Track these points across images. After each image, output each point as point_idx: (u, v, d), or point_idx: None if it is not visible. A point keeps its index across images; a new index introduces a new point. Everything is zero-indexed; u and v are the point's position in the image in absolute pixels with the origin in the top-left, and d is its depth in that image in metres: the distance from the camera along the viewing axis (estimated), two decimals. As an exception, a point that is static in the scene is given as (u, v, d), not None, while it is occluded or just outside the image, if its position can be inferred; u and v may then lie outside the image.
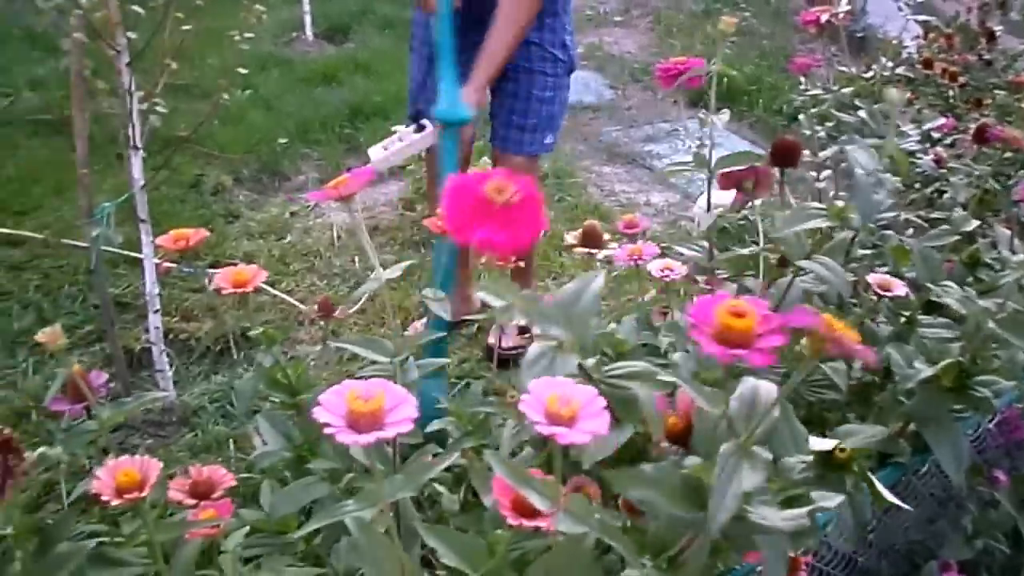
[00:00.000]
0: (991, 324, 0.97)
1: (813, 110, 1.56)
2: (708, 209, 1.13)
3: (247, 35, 1.96)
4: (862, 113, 1.22)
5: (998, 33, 2.91)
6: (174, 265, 2.51)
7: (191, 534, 0.86)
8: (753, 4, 5.99)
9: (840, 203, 1.04)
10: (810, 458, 0.79)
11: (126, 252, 2.51)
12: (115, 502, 0.75)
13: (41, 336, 0.88)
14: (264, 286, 1.01)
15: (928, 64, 2.51)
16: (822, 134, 1.59)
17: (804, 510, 0.69)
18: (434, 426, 1.13)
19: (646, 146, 4.07)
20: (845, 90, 1.58)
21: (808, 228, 1.01)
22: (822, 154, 1.35)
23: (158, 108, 1.84)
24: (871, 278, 1.10)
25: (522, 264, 1.42)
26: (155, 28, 1.83)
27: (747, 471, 0.64)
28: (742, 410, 0.69)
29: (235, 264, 1.05)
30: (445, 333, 1.81)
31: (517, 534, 0.71)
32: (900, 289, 1.08)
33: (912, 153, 1.09)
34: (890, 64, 2.17)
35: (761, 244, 1.13)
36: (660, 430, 0.82)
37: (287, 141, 3.69)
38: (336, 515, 0.71)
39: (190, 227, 1.07)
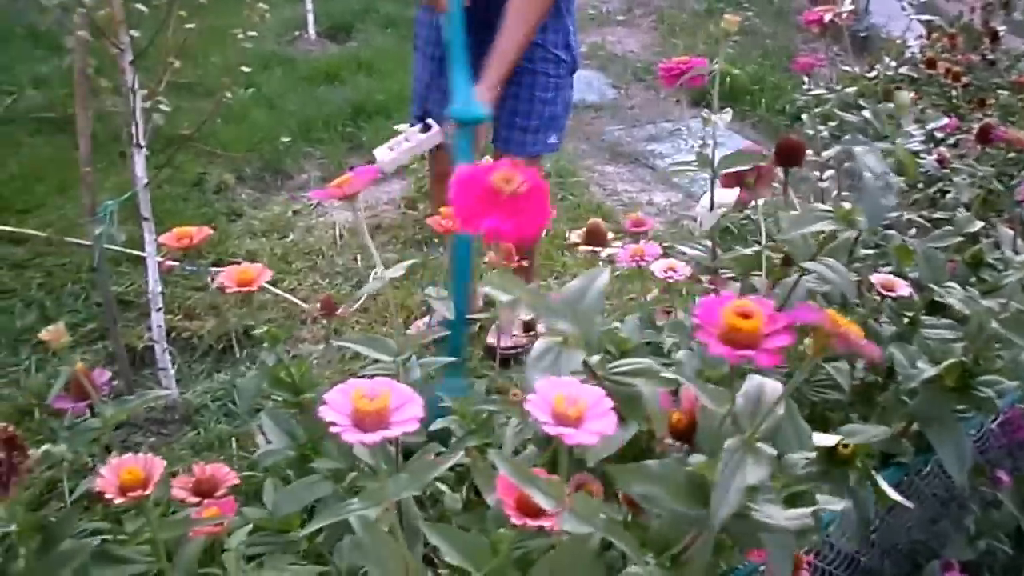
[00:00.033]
0: (994, 324, 0.97)
1: (816, 110, 1.55)
2: (711, 209, 1.13)
3: (250, 34, 1.96)
4: (866, 113, 1.22)
5: (1001, 33, 2.91)
6: (177, 263, 2.52)
7: (194, 532, 0.86)
8: (756, 3, 5.99)
9: (844, 203, 1.04)
10: (814, 455, 0.79)
11: (128, 250, 2.51)
12: (119, 500, 0.76)
13: (44, 334, 0.88)
14: (266, 285, 1.01)
15: (931, 64, 2.51)
16: (825, 134, 1.59)
17: (808, 509, 0.69)
18: (437, 425, 1.13)
19: (648, 145, 4.07)
20: (848, 90, 1.58)
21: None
22: (825, 154, 1.35)
23: (161, 106, 1.84)
24: (875, 278, 1.10)
25: (525, 263, 1.42)
26: (158, 26, 1.83)
27: (751, 466, 0.64)
28: (747, 407, 0.69)
29: (238, 263, 1.05)
30: (463, 331, 1.82)
31: (520, 533, 0.71)
32: (904, 289, 1.08)
33: (916, 153, 1.08)
34: (893, 64, 2.17)
35: (763, 244, 1.13)
36: (664, 427, 0.82)
37: (290, 140, 3.69)
38: (341, 514, 0.71)
39: (193, 225, 1.07)
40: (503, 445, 1.03)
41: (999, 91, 2.53)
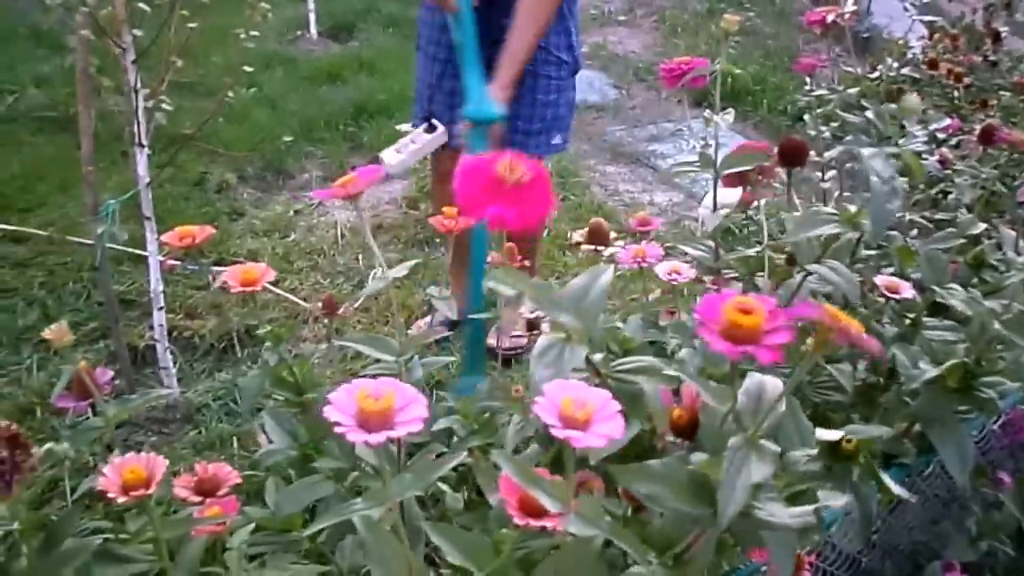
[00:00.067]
0: (996, 325, 0.97)
1: (818, 110, 1.55)
2: (714, 209, 1.13)
3: (252, 33, 1.97)
4: (869, 114, 1.22)
5: (1003, 34, 2.91)
6: (178, 263, 2.52)
7: (197, 531, 0.86)
8: (757, 4, 5.99)
9: (847, 205, 1.04)
10: (816, 451, 0.79)
11: (130, 249, 2.51)
12: (121, 499, 0.75)
13: (48, 333, 0.88)
14: (268, 284, 1.01)
15: (933, 65, 2.51)
16: (827, 135, 1.58)
17: (811, 507, 0.69)
18: (440, 424, 1.13)
19: (650, 146, 4.07)
20: (851, 91, 1.58)
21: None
22: (827, 154, 1.35)
23: (164, 106, 1.85)
24: (879, 280, 1.10)
25: (527, 263, 1.42)
26: (161, 26, 1.83)
27: (756, 463, 0.65)
28: (749, 405, 0.69)
29: (239, 262, 1.05)
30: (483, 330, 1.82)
31: (523, 533, 0.71)
32: (908, 292, 1.08)
33: (918, 154, 1.08)
34: (896, 65, 2.17)
35: (765, 244, 1.13)
36: (665, 423, 0.83)
37: (291, 139, 3.69)
38: (344, 514, 0.71)
39: (194, 225, 1.07)
40: (505, 442, 1.03)
41: (1001, 92, 2.53)
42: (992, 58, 2.80)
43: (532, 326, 1.40)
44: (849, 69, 1.84)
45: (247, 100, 3.95)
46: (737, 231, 2.81)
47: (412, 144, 1.93)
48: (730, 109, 1.16)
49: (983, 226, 1.31)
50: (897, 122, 1.16)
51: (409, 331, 2.26)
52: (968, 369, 0.98)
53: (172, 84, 1.89)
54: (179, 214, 2.95)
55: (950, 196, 1.75)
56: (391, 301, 2.46)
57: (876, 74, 1.99)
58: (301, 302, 2.60)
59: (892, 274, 1.18)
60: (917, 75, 2.37)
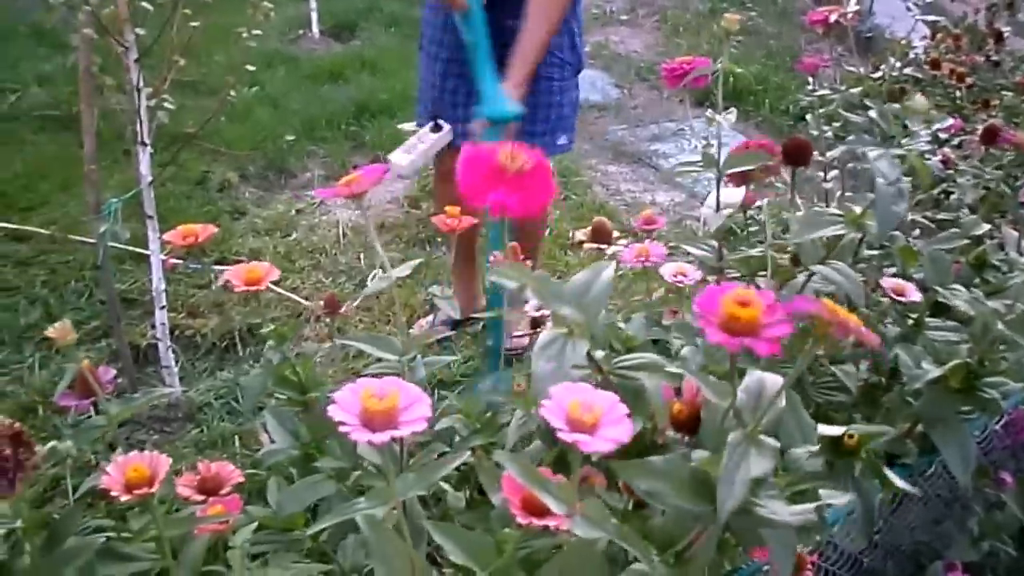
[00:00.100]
0: (1000, 326, 0.97)
1: (821, 110, 1.55)
2: (717, 209, 1.13)
3: (254, 32, 1.97)
4: (872, 113, 1.22)
5: (1006, 34, 2.91)
6: (180, 261, 2.52)
7: (199, 530, 0.86)
8: (759, 3, 5.99)
9: (849, 205, 1.04)
10: (817, 448, 0.79)
11: (132, 248, 2.52)
12: (125, 497, 0.76)
13: (51, 332, 0.88)
14: (270, 284, 1.01)
15: (936, 65, 2.50)
16: (829, 134, 1.58)
17: (812, 505, 0.69)
18: (442, 424, 1.13)
19: (652, 145, 4.07)
20: (853, 90, 1.57)
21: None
22: (829, 154, 1.35)
23: (166, 104, 1.85)
24: (886, 283, 1.10)
25: (529, 262, 1.42)
26: (163, 24, 1.83)
27: (755, 458, 0.65)
28: (749, 401, 0.69)
29: (241, 261, 1.06)
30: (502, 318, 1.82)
31: (525, 533, 0.71)
32: (914, 295, 1.08)
33: (921, 153, 1.08)
34: (898, 64, 2.17)
35: (767, 244, 1.13)
36: (666, 419, 0.83)
37: (293, 138, 3.70)
38: (347, 513, 0.72)
39: (197, 223, 1.07)
40: (507, 436, 1.03)
41: (1003, 92, 2.52)
42: (994, 58, 2.80)
43: (536, 325, 1.40)
44: (852, 69, 1.84)
45: (249, 99, 3.95)
46: (739, 231, 2.81)
47: (420, 144, 1.93)
48: (732, 109, 1.16)
49: (987, 227, 1.30)
50: (900, 122, 1.16)
51: (411, 330, 2.26)
52: (971, 369, 0.98)
53: (174, 83, 1.89)
54: (181, 213, 2.96)
55: (952, 196, 1.75)
56: (393, 300, 2.46)
57: (879, 74, 1.98)
58: (303, 301, 2.60)
59: (895, 274, 1.18)
60: (920, 75, 2.37)
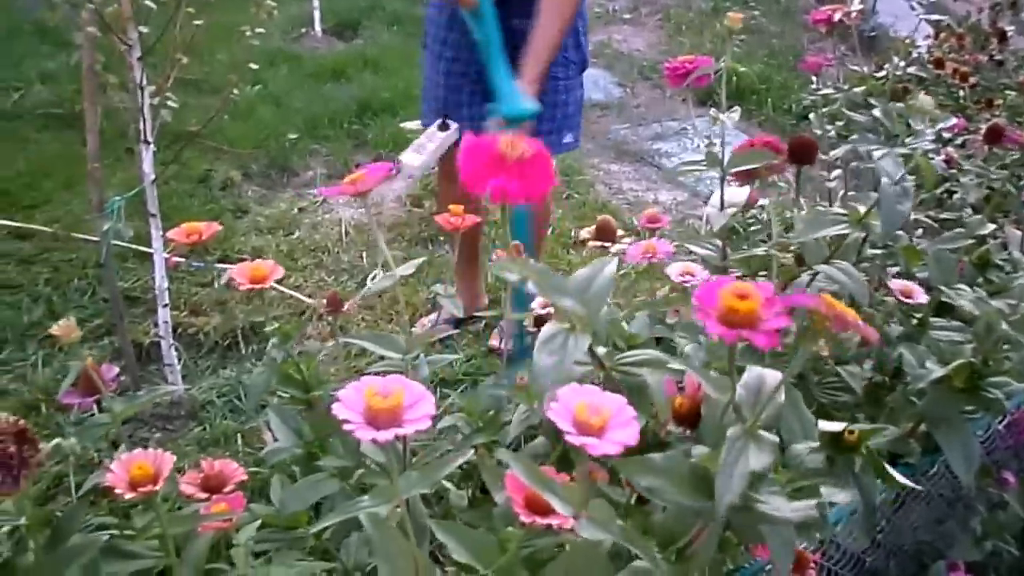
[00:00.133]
0: (1004, 326, 0.97)
1: (824, 109, 1.55)
2: (721, 208, 1.13)
3: (257, 30, 1.97)
4: (876, 112, 1.22)
5: (1009, 33, 2.90)
6: (183, 260, 2.52)
7: (203, 527, 0.87)
8: (762, 2, 5.98)
9: (853, 204, 1.04)
10: (818, 444, 0.79)
11: (135, 246, 2.52)
12: (129, 495, 0.76)
13: (55, 329, 0.88)
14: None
15: (939, 64, 2.50)
16: (832, 133, 1.58)
17: (813, 501, 0.70)
18: (445, 422, 1.13)
19: (654, 144, 4.07)
20: (857, 89, 1.57)
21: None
22: (833, 153, 1.35)
23: (169, 103, 1.85)
24: (893, 284, 1.10)
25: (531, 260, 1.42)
26: (166, 23, 1.83)
27: (753, 452, 0.65)
28: (748, 397, 0.70)
29: (244, 259, 1.06)
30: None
31: (529, 531, 0.71)
32: (921, 297, 1.08)
33: (925, 153, 1.08)
34: (902, 64, 2.16)
35: (771, 243, 1.13)
36: (669, 413, 0.83)
37: (296, 137, 3.70)
38: (351, 511, 0.72)
39: (199, 222, 1.07)
40: (509, 429, 1.03)
41: (1007, 92, 2.52)
42: (998, 57, 2.79)
43: (540, 323, 1.40)
44: (855, 68, 1.83)
45: (252, 97, 3.95)
46: (741, 230, 2.81)
47: (430, 144, 1.93)
48: (736, 107, 1.16)
49: (992, 226, 1.30)
50: (904, 121, 1.16)
51: (413, 329, 2.26)
52: (975, 369, 0.98)
53: (177, 81, 1.89)
54: (184, 211, 2.96)
55: (955, 196, 1.74)
56: (396, 299, 2.46)
57: (883, 73, 1.98)
58: (307, 299, 2.60)
59: (899, 273, 1.18)
60: (923, 74, 2.37)
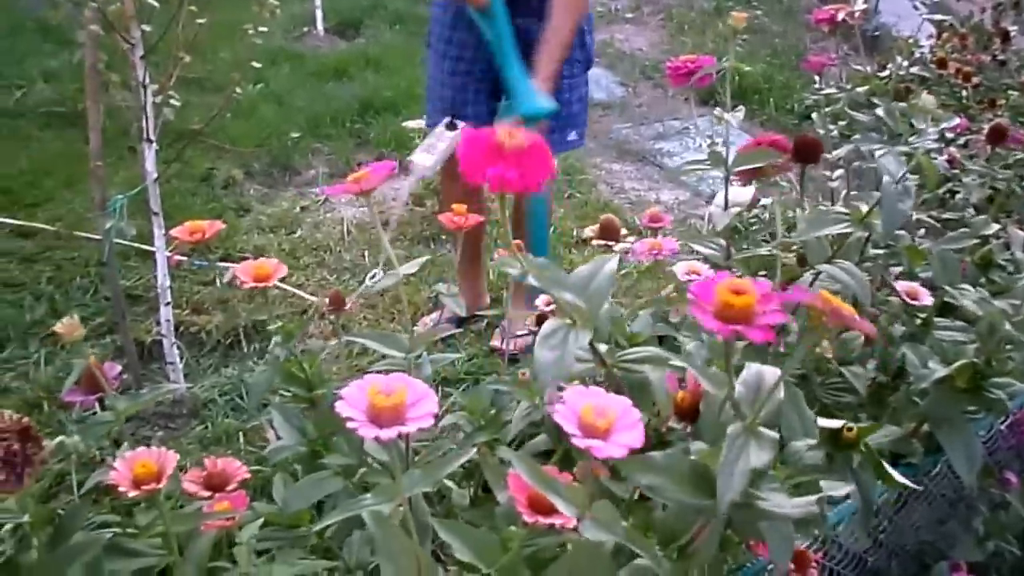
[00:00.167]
0: (1007, 326, 0.97)
1: (827, 109, 1.55)
2: (726, 207, 1.13)
3: (259, 29, 1.97)
4: (880, 111, 1.22)
5: (1012, 33, 2.90)
6: (185, 258, 2.52)
7: (206, 526, 0.87)
8: (765, 2, 5.98)
9: (855, 204, 1.04)
10: (817, 441, 0.79)
11: (137, 245, 2.52)
12: (132, 493, 0.76)
13: (59, 327, 0.88)
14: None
15: (942, 64, 2.50)
16: (835, 133, 1.58)
17: (813, 498, 0.70)
18: (447, 420, 1.13)
19: (656, 144, 4.07)
20: (860, 89, 1.57)
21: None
22: (835, 153, 1.35)
23: (171, 101, 1.85)
24: (899, 286, 1.10)
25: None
26: (169, 21, 1.83)
27: (754, 450, 0.65)
28: (748, 394, 0.70)
29: (246, 258, 1.06)
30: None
31: (531, 531, 0.71)
32: (926, 298, 1.08)
33: (928, 152, 1.08)
34: (905, 63, 2.16)
35: (774, 243, 1.13)
36: (670, 409, 0.84)
37: (298, 135, 3.70)
38: (354, 509, 0.72)
39: (202, 220, 1.07)
40: (511, 427, 1.03)
41: (1009, 92, 2.52)
42: (1001, 57, 2.79)
43: (542, 321, 1.40)
44: (858, 68, 1.83)
45: (254, 96, 3.95)
46: (744, 229, 2.81)
47: (440, 143, 1.94)
48: (740, 107, 1.16)
49: (996, 227, 1.30)
50: (907, 120, 1.16)
51: (415, 328, 2.27)
52: (977, 369, 0.98)
53: (180, 80, 1.89)
54: (186, 210, 2.96)
55: (958, 196, 1.74)
56: (398, 297, 2.46)
57: (886, 73, 1.98)
58: (310, 297, 2.60)
59: (901, 273, 1.18)
60: (926, 74, 2.37)
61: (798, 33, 5.53)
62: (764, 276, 1.13)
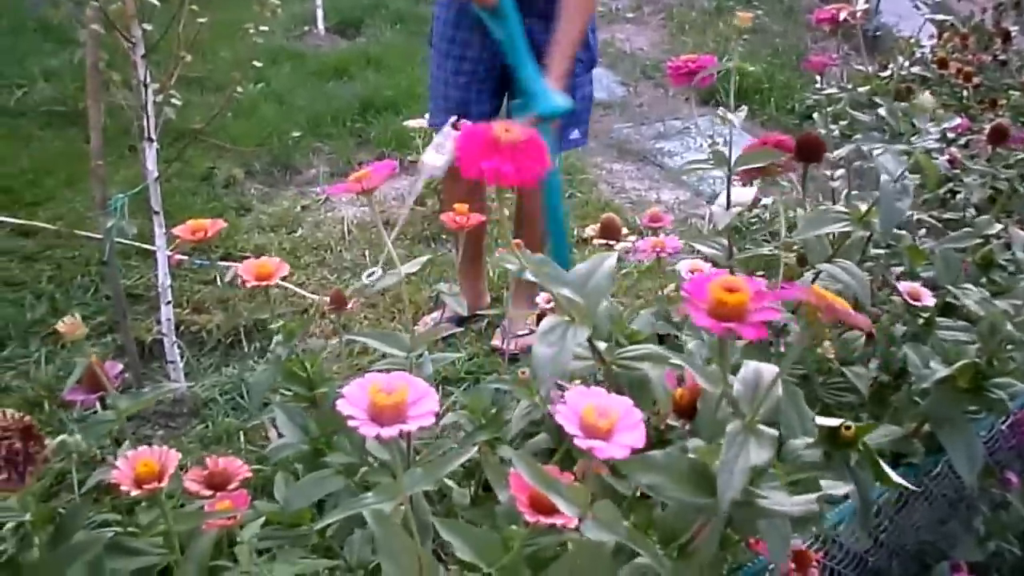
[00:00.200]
0: (1008, 327, 0.97)
1: (828, 109, 1.55)
2: (728, 207, 1.13)
3: (260, 28, 1.97)
4: (882, 111, 1.22)
5: (1013, 33, 2.90)
6: (186, 257, 2.52)
7: (208, 525, 0.87)
8: (765, 2, 5.98)
9: (857, 203, 1.04)
10: (816, 439, 0.79)
11: (138, 244, 2.52)
12: (135, 492, 0.76)
13: (61, 326, 0.88)
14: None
15: (943, 64, 2.50)
16: (836, 133, 1.58)
17: (813, 496, 0.70)
18: (447, 419, 1.13)
19: (657, 143, 4.07)
20: (861, 89, 1.57)
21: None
22: (836, 153, 1.35)
23: (172, 100, 1.85)
24: (902, 287, 1.10)
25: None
26: (170, 21, 1.83)
27: (754, 447, 0.65)
28: (746, 392, 0.70)
29: (247, 257, 1.06)
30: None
31: (532, 530, 0.71)
32: (929, 299, 1.08)
33: (929, 152, 1.08)
34: (906, 63, 2.16)
35: (775, 243, 1.13)
36: (669, 406, 0.84)
37: (299, 135, 3.70)
38: (355, 508, 0.72)
39: (203, 219, 1.07)
40: (511, 426, 1.03)
41: (1010, 92, 2.52)
42: (1001, 57, 2.79)
43: (542, 319, 1.40)
44: (859, 68, 1.83)
45: (255, 95, 3.95)
46: (744, 229, 2.81)
47: (448, 143, 1.94)
48: (743, 107, 1.16)
49: (1000, 227, 1.31)
50: (908, 120, 1.16)
51: (415, 327, 2.27)
52: (979, 370, 0.98)
53: (181, 79, 1.89)
54: (187, 209, 2.96)
55: (958, 196, 1.74)
56: (399, 297, 2.46)
57: (887, 73, 1.98)
58: (311, 296, 2.60)
59: (903, 273, 1.18)
60: (927, 74, 2.37)
61: (799, 33, 5.53)
62: (763, 275, 1.13)
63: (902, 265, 1.22)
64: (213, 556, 0.90)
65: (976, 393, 0.98)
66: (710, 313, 0.61)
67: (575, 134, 2.25)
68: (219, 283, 2.64)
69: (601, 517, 0.64)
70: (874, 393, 1.08)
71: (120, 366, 1.01)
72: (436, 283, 2.61)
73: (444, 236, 3.02)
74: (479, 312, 2.49)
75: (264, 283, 0.97)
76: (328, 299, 1.29)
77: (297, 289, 2.63)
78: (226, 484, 0.91)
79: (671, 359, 0.85)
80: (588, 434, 0.58)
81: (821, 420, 0.80)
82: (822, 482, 0.74)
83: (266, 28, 1.99)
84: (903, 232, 1.27)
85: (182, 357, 2.22)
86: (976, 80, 2.50)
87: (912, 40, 2.56)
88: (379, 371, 0.63)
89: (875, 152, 1.02)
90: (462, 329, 2.48)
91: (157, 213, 2.00)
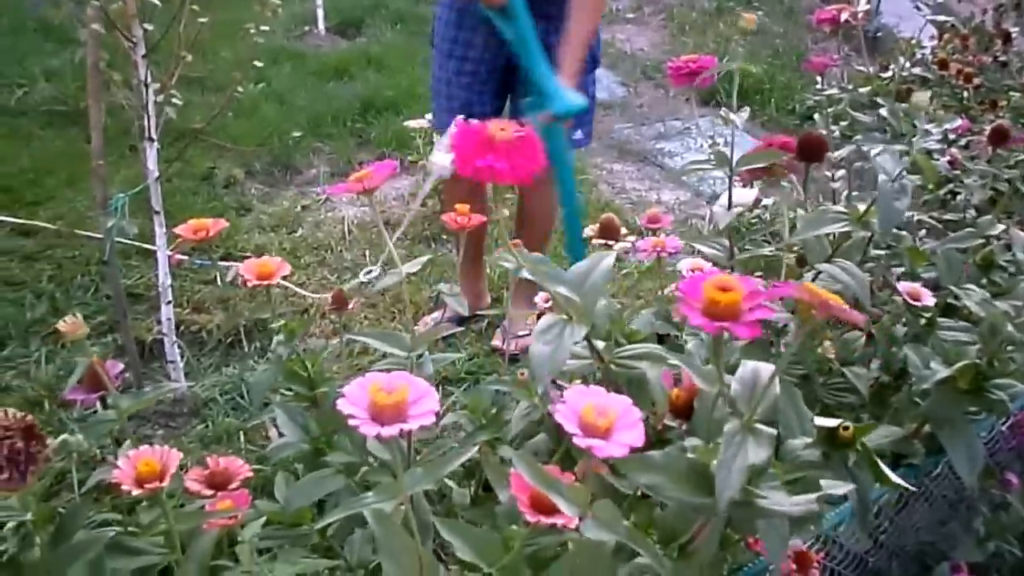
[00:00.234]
0: (1009, 328, 0.97)
1: (829, 109, 1.55)
2: (729, 207, 1.13)
3: (261, 28, 1.97)
4: (883, 112, 1.22)
5: (1013, 35, 2.90)
6: (186, 257, 2.52)
7: (209, 524, 0.87)
8: (766, 2, 5.98)
9: (856, 203, 1.04)
10: (814, 439, 0.79)
11: (138, 243, 2.52)
12: (136, 491, 0.76)
13: (62, 326, 0.88)
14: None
15: (943, 65, 2.50)
16: (836, 134, 1.58)
17: (812, 496, 0.70)
18: (448, 419, 1.13)
19: (657, 144, 4.07)
20: (862, 89, 1.57)
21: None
22: (837, 153, 1.35)
23: (173, 100, 1.85)
24: (902, 287, 1.10)
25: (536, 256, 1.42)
26: (171, 20, 1.83)
27: (752, 447, 0.65)
28: (744, 392, 0.70)
29: (247, 257, 1.06)
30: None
31: (533, 530, 0.71)
32: (929, 299, 1.08)
33: (929, 152, 1.08)
34: (907, 64, 2.17)
35: (780, 244, 1.13)
36: (666, 406, 0.84)
37: (299, 135, 3.70)
38: (355, 507, 0.72)
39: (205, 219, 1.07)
40: (511, 426, 1.03)
41: (1011, 93, 2.52)
42: (1002, 59, 2.79)
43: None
44: (859, 68, 1.83)
45: (255, 95, 3.95)
46: (743, 229, 2.81)
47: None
48: (745, 107, 1.16)
49: (1002, 227, 1.31)
50: (910, 121, 1.16)
51: (416, 327, 2.27)
52: (979, 370, 0.98)
53: (181, 79, 1.89)
54: (187, 209, 2.96)
55: (959, 196, 1.74)
56: (399, 297, 2.46)
57: (888, 73, 1.98)
58: (312, 295, 2.60)
59: (903, 273, 1.18)
60: (928, 75, 2.37)
61: (799, 34, 5.53)
62: (761, 276, 1.13)
63: (903, 266, 1.22)
64: (214, 556, 0.90)
65: (976, 394, 0.98)
66: (704, 312, 0.62)
67: (579, 134, 2.26)
68: (219, 283, 2.64)
69: (601, 517, 0.64)
70: (874, 393, 1.08)
71: (120, 366, 1.01)
72: (436, 283, 2.61)
73: (445, 236, 3.03)
74: (479, 312, 2.49)
75: (265, 282, 0.97)
76: (329, 299, 1.29)
77: (297, 289, 2.63)
78: (227, 484, 0.91)
79: (669, 359, 0.85)
80: (587, 433, 0.58)
81: (820, 420, 0.80)
82: (821, 482, 0.74)
83: (267, 28, 1.99)
84: (903, 233, 1.27)
85: (182, 357, 2.22)
86: (977, 81, 2.50)
87: (913, 41, 2.57)
88: (380, 371, 0.63)
89: (873, 152, 1.02)
90: (462, 329, 2.48)
91: (158, 213, 2.00)
